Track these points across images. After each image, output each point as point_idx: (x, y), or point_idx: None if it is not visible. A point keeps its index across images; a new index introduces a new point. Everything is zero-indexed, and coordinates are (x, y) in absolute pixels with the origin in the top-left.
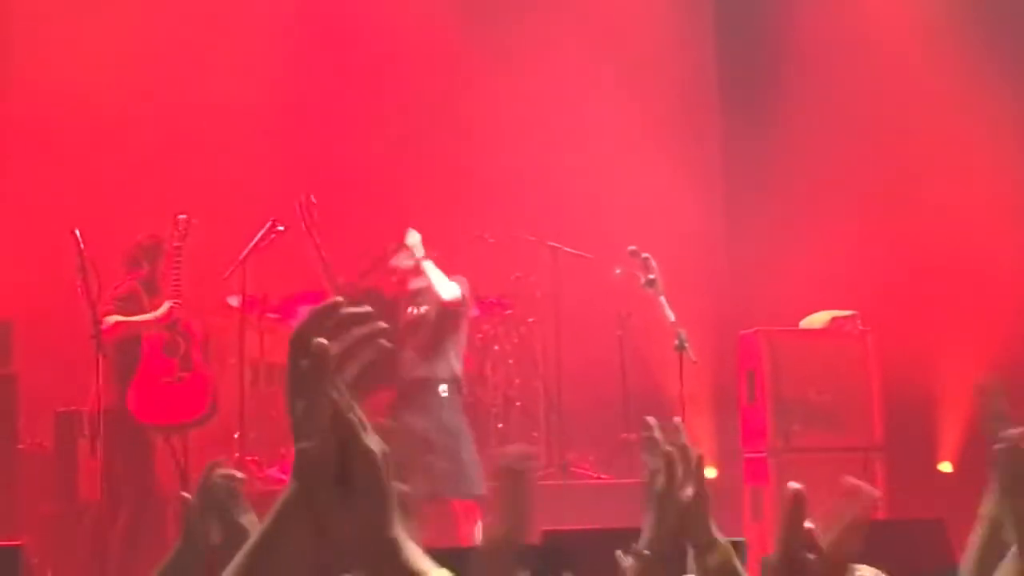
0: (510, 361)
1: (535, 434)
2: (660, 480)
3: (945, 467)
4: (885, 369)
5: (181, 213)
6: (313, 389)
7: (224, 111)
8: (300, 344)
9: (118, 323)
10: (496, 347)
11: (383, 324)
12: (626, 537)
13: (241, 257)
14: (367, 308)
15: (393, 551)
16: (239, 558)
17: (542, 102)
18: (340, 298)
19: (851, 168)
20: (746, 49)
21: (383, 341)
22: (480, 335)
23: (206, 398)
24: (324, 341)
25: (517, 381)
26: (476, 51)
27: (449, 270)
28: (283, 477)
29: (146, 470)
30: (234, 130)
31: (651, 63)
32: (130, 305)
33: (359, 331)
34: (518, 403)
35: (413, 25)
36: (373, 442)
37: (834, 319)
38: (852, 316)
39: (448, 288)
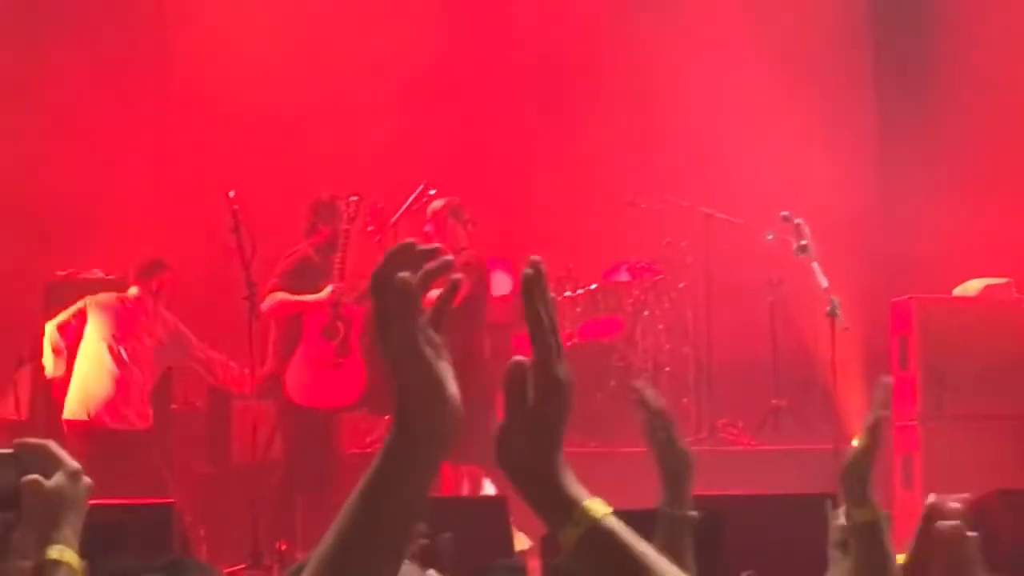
0: (660, 327)
1: (685, 400)
2: (662, 435)
3: None
4: None
5: (353, 195)
6: (403, 324)
7: (376, 79)
8: (383, 282)
9: (280, 303)
10: (646, 312)
11: (450, 257)
12: (776, 503)
13: (393, 220)
14: (437, 244)
15: (555, 476)
16: (353, 501)
17: (695, 66)
18: (410, 240)
19: (1007, 135)
20: (903, 12)
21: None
22: (631, 300)
23: (359, 386)
24: (406, 275)
25: (667, 347)
26: (630, 15)
27: (601, 235)
28: None
29: (298, 437)
30: (386, 98)
31: (806, 26)
32: (300, 277)
33: (431, 265)
34: (667, 368)
35: None
36: (562, 370)
37: (988, 287)
38: (1007, 283)
39: None
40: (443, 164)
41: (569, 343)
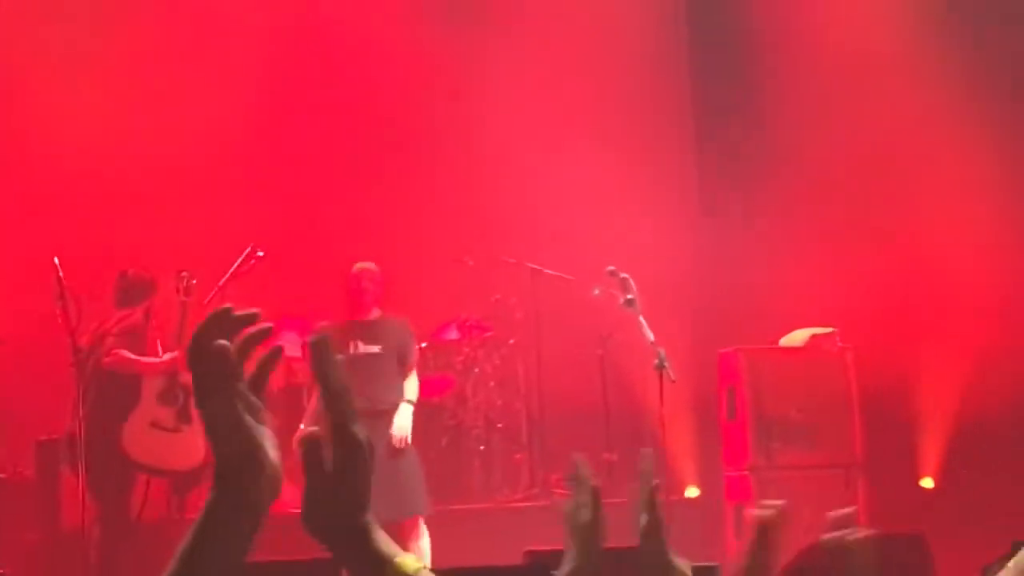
0: (491, 383)
1: (517, 456)
2: (585, 514)
3: (927, 483)
4: (865, 386)
5: (183, 270)
6: (220, 391)
7: (202, 145)
8: (200, 349)
9: (127, 361)
10: (477, 369)
11: (269, 324)
12: (609, 557)
13: (220, 284)
14: (255, 310)
15: (365, 536)
16: (172, 565)
17: (520, 124)
18: (228, 304)
19: (830, 187)
20: (722, 71)
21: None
22: (461, 358)
23: (200, 451)
24: (223, 342)
25: (499, 403)
26: (453, 75)
27: (429, 293)
28: None
29: (124, 500)
30: (212, 163)
31: (628, 86)
32: (135, 341)
33: (251, 331)
34: (500, 424)
35: (390, 52)
36: (360, 431)
37: (813, 336)
38: (831, 334)
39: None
40: (272, 226)
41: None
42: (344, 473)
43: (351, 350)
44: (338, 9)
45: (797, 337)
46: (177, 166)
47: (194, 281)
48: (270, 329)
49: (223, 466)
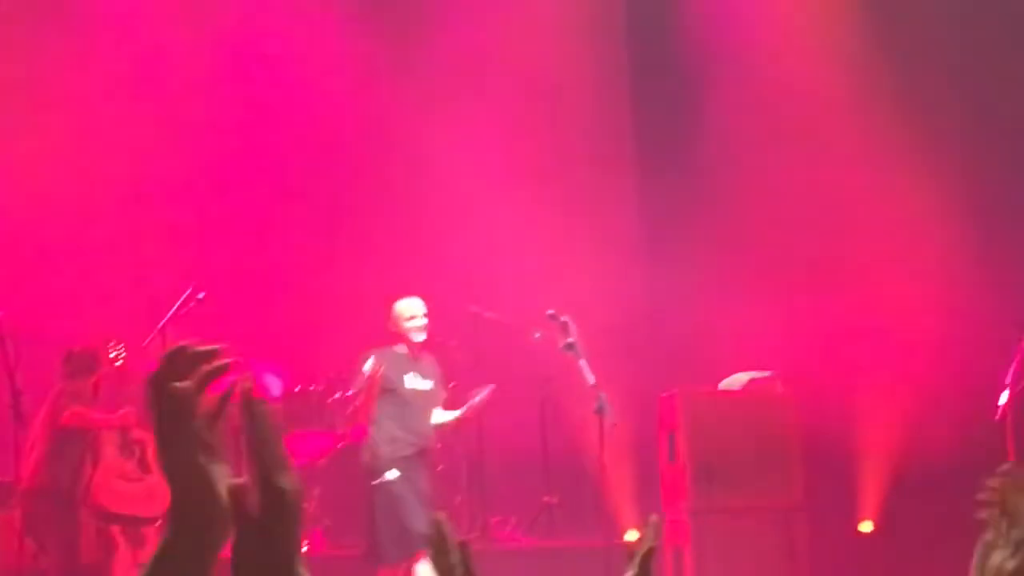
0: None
1: (458, 499)
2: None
3: (866, 526)
4: (805, 430)
5: (113, 340)
6: (177, 432)
7: (143, 183)
8: (156, 388)
9: (84, 414)
10: None
11: (228, 359)
12: None
13: (160, 325)
14: (215, 346)
15: None
16: None
17: (465, 170)
18: (183, 343)
19: (771, 228)
20: (663, 115)
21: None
22: None
23: (163, 500)
24: (177, 385)
25: (439, 445)
26: (392, 117)
27: (372, 335)
28: None
29: (74, 547)
30: (154, 198)
31: (572, 134)
32: (86, 406)
33: (207, 368)
34: (440, 467)
35: (339, 99)
36: (288, 480)
37: (752, 380)
38: (771, 377)
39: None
40: (213, 269)
41: (341, 445)
42: (272, 523)
43: (406, 384)
44: (286, 52)
45: (737, 381)
46: (114, 213)
47: (123, 351)
48: (228, 365)
49: (178, 507)
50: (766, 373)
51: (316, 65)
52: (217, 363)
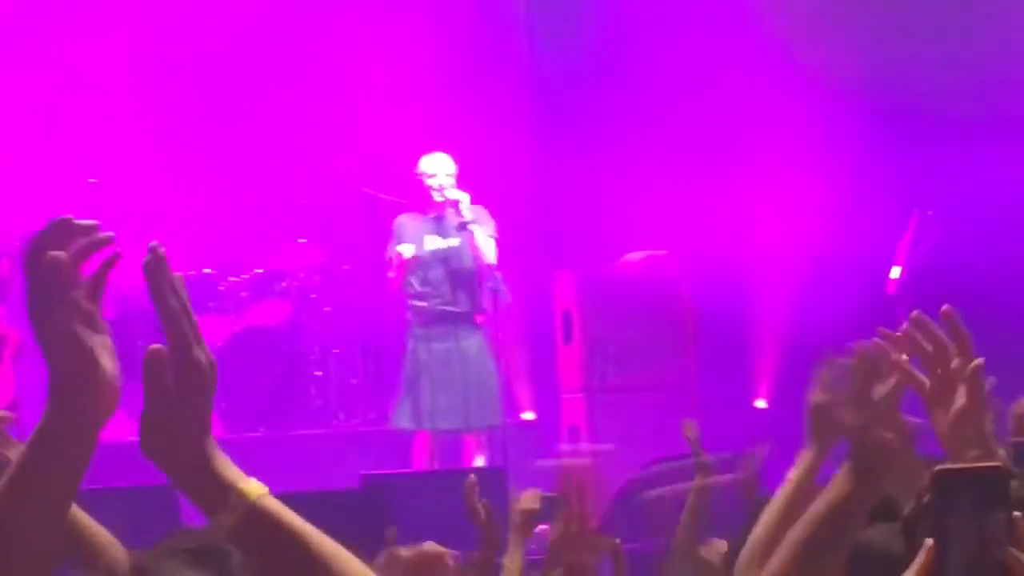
0: (326, 309)
1: (354, 381)
2: None
3: (760, 404)
4: (699, 308)
5: None
6: (55, 301)
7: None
8: (33, 259)
9: None
10: (313, 295)
11: (110, 233)
12: (441, 479)
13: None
14: (93, 221)
15: (206, 461)
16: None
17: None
18: (66, 216)
19: (666, 107)
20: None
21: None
22: (296, 283)
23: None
24: (58, 252)
25: (335, 328)
26: None
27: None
28: None
29: None
30: None
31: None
32: None
33: (86, 240)
34: (336, 351)
35: None
36: (202, 354)
37: (648, 258)
38: (666, 255)
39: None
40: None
41: (236, 329)
42: (184, 395)
43: (426, 246)
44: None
45: (632, 259)
46: None
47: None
48: (111, 238)
49: (57, 380)
50: (661, 252)
51: None
52: (97, 236)
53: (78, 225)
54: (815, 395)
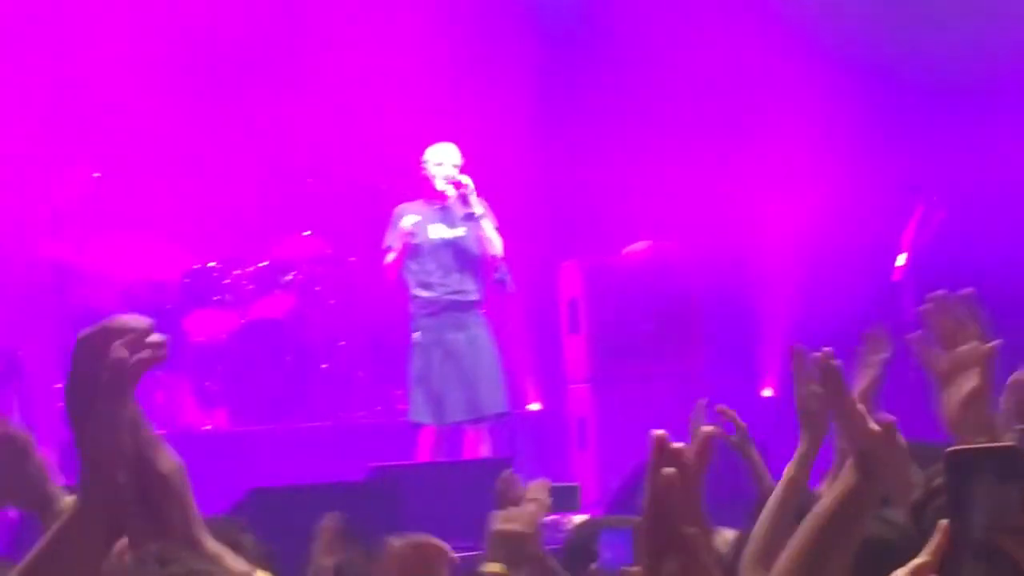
0: (332, 301)
1: (360, 372)
2: None
3: (767, 392)
4: (705, 297)
5: None
6: (115, 399)
7: None
8: (89, 353)
9: None
10: (318, 288)
11: (163, 336)
12: (450, 470)
13: None
14: (150, 320)
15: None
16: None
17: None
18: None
19: (671, 94)
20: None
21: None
22: (302, 276)
23: None
24: (125, 351)
25: (340, 320)
26: None
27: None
28: None
29: None
30: None
31: None
32: None
33: (144, 354)
34: (342, 342)
35: None
36: (170, 459)
37: (653, 247)
38: (671, 244)
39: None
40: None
41: (242, 322)
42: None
43: (430, 235)
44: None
45: (638, 248)
46: None
47: None
48: (163, 342)
49: (94, 468)
50: (667, 241)
51: None
52: (155, 339)
53: (140, 328)
54: (798, 388)
